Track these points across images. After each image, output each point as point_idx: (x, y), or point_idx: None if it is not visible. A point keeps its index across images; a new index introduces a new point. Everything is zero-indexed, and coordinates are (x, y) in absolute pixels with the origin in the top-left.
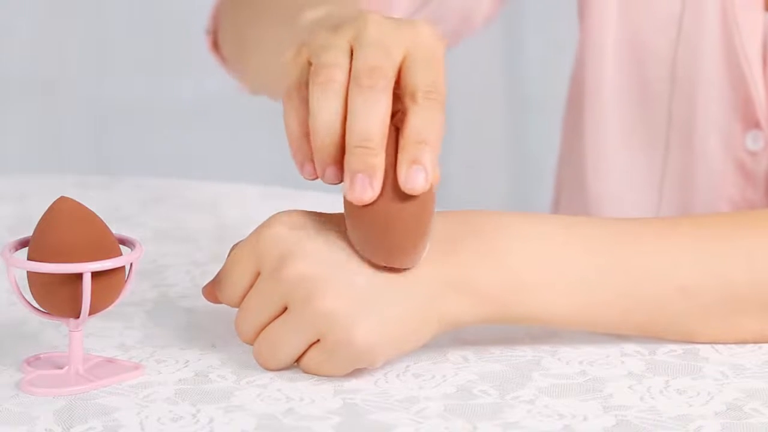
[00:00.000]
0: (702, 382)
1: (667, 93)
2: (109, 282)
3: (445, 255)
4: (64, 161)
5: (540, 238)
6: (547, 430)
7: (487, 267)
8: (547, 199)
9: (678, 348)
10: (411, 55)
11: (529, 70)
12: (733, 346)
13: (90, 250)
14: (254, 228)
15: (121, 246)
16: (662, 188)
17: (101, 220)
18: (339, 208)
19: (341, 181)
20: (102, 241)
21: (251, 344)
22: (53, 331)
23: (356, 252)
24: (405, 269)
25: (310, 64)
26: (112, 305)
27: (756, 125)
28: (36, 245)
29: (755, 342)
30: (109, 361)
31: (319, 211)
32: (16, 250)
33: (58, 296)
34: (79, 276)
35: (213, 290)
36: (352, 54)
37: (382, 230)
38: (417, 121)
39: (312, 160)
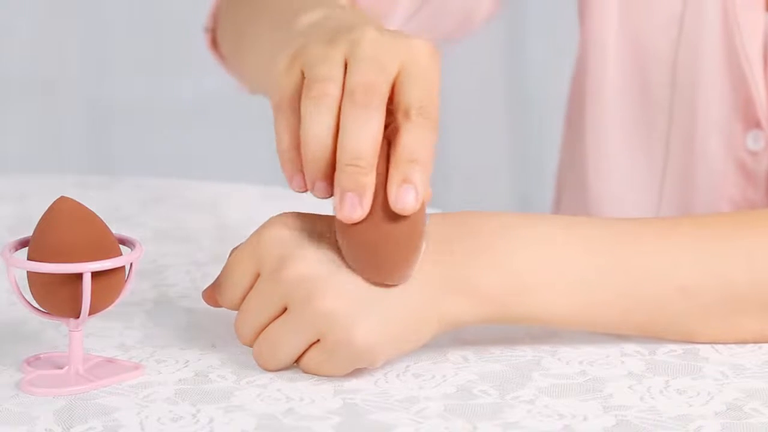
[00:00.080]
0: (702, 382)
1: (668, 93)
2: (109, 282)
3: (445, 255)
4: (63, 161)
5: (540, 238)
6: (547, 430)
7: (488, 267)
8: (548, 200)
9: (678, 348)
10: (405, 71)
11: (530, 70)
12: (733, 346)
13: (90, 250)
14: (254, 228)
15: (121, 246)
16: (663, 188)
17: (101, 220)
18: None
19: (331, 195)
20: (102, 241)
21: (251, 346)
22: (53, 331)
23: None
24: (395, 285)
25: (303, 75)
26: (112, 305)
27: (757, 125)
28: (36, 245)
29: (755, 342)
30: (109, 361)
31: (319, 212)
32: (16, 250)
33: (58, 296)
34: (79, 276)
35: (213, 294)
36: (346, 67)
37: (372, 248)
38: (409, 140)
39: (302, 173)
